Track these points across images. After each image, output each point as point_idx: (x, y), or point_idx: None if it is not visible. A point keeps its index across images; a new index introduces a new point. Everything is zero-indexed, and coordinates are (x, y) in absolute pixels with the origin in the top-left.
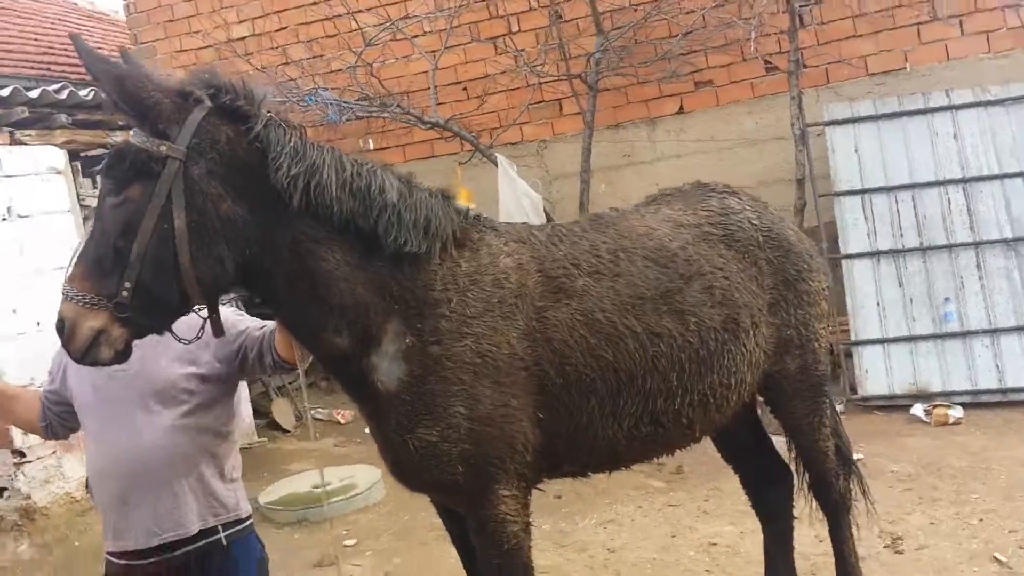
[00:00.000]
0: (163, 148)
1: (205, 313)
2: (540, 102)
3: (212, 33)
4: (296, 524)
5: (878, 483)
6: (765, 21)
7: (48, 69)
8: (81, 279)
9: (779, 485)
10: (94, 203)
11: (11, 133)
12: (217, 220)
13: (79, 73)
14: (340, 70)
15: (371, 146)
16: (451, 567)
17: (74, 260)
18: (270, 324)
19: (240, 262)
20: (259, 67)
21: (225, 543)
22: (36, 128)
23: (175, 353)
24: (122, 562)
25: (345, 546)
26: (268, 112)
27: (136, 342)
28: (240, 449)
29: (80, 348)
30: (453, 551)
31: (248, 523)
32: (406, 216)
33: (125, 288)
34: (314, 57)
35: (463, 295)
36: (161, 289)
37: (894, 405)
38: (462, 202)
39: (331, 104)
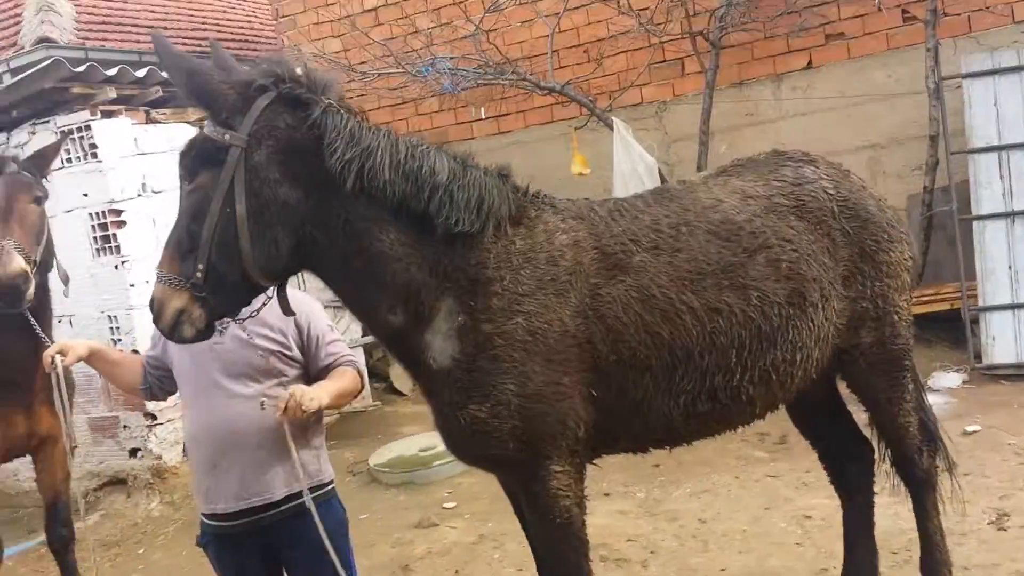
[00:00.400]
0: (227, 137)
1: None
2: (662, 62)
3: (347, 5)
4: (402, 486)
5: (992, 456)
6: None
7: (199, 45)
8: (168, 262)
9: (857, 460)
10: None
11: (147, 112)
12: (274, 204)
13: (239, 47)
14: (463, 38)
15: (483, 115)
16: None
17: (165, 244)
18: (343, 365)
19: (295, 245)
20: (390, 37)
21: (309, 505)
22: (170, 107)
23: (266, 332)
24: (212, 523)
25: (444, 508)
26: (328, 99)
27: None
28: (356, 412)
29: (167, 326)
30: None
31: (330, 487)
32: (458, 196)
33: (199, 270)
34: (441, 25)
35: (516, 273)
36: (227, 270)
37: (1021, 375)
38: (577, 168)
39: (446, 73)
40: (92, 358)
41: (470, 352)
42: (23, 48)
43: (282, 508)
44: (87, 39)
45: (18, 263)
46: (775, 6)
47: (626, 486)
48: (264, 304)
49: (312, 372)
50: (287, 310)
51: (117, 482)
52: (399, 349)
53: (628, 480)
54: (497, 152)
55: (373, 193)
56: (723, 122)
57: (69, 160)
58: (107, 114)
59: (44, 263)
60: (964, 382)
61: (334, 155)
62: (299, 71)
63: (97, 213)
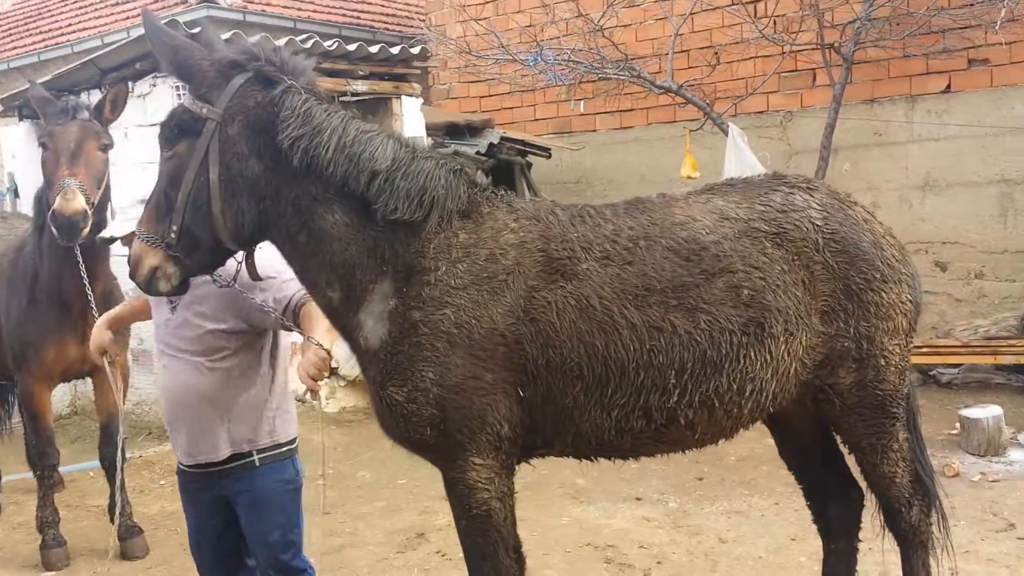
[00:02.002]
0: (204, 110)
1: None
2: (793, 71)
3: None
4: None
5: None
6: None
7: (358, 17)
8: (146, 221)
9: (842, 502)
10: None
11: None
12: (240, 176)
13: (385, 21)
14: (590, 31)
15: (581, 109)
16: (567, 529)
17: (145, 204)
18: (293, 285)
19: (257, 215)
20: (528, 24)
21: (257, 464)
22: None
23: (209, 311)
24: (181, 470)
25: None
26: (293, 81)
27: (181, 304)
28: None
29: (143, 281)
30: (577, 512)
31: (286, 449)
32: (400, 184)
33: (172, 231)
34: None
35: (453, 266)
36: (199, 233)
37: None
38: (687, 170)
39: (551, 64)
40: (117, 329)
41: (396, 336)
42: (191, 4)
43: (230, 465)
44: (252, 2)
45: (80, 202)
46: (916, 24)
47: (661, 494)
48: (238, 270)
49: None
50: (254, 275)
51: None
52: (338, 324)
53: (665, 489)
54: (616, 147)
55: (318, 172)
56: (849, 139)
57: None
58: None
59: (101, 205)
60: None
61: (285, 131)
62: (275, 54)
63: None
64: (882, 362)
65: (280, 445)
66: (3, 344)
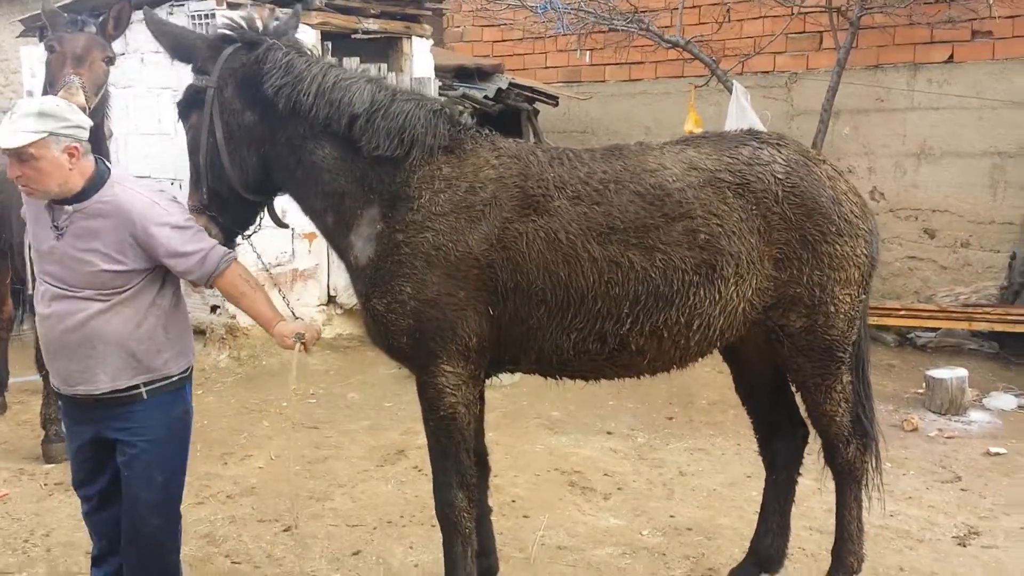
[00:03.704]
0: (203, 81)
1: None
2: (800, 32)
3: None
4: None
5: (1001, 479)
6: None
7: None
8: (190, 194)
9: (787, 438)
10: None
11: (272, 9)
12: (239, 129)
13: None
14: None
15: (588, 59)
16: (538, 455)
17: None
18: (220, 256)
19: (259, 161)
20: None
21: (145, 396)
22: (297, 5)
23: (105, 249)
24: (56, 391)
25: None
26: (274, 40)
27: (71, 234)
28: None
29: None
30: (549, 441)
31: (175, 380)
32: (380, 124)
33: (204, 194)
34: None
35: (435, 195)
36: (219, 188)
37: None
38: (690, 125)
39: (559, 12)
40: None
41: (381, 255)
42: None
43: (113, 395)
44: None
45: (81, 98)
46: None
47: (631, 429)
48: (255, 229)
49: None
50: (277, 221)
51: (198, 332)
52: (334, 246)
53: (636, 425)
54: (623, 99)
55: (303, 115)
56: (851, 103)
57: None
58: (234, 5)
59: (97, 110)
60: (1021, 407)
61: (270, 81)
62: (258, 22)
63: None
64: (831, 309)
65: (169, 377)
66: (14, 250)
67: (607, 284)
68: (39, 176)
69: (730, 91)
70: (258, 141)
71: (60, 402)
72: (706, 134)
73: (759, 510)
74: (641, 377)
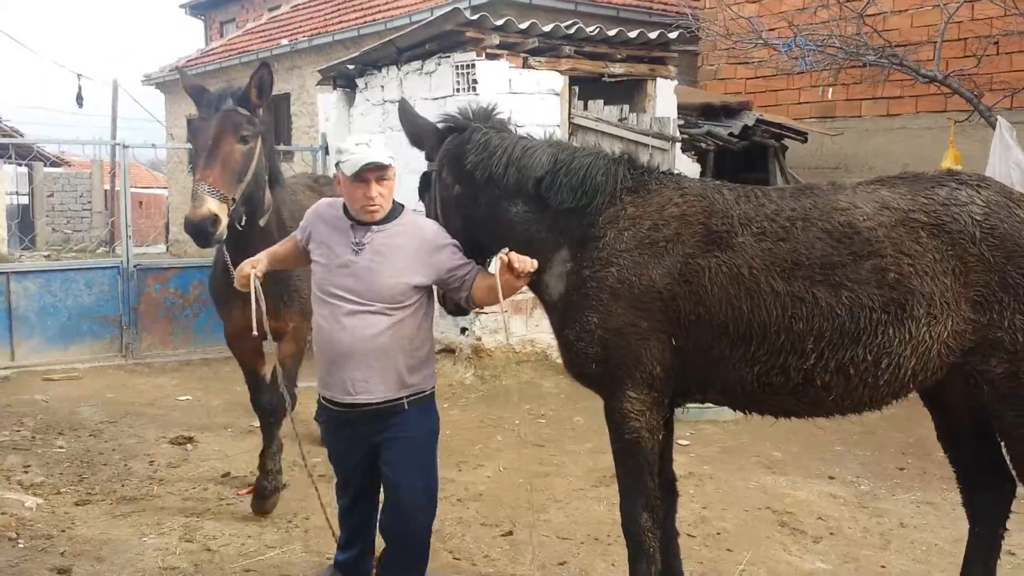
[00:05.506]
0: (430, 167)
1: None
2: None
3: None
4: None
5: None
6: None
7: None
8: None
9: (990, 490)
10: (582, 121)
11: (524, 59)
12: (449, 200)
13: (664, 2)
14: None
15: (830, 95)
16: (752, 492)
17: None
18: (475, 268)
19: (463, 223)
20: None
21: (406, 406)
22: (545, 56)
23: (403, 264)
24: (326, 403)
25: (679, 444)
26: (478, 124)
27: (371, 250)
28: None
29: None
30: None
31: (428, 394)
32: (563, 180)
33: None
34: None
35: (620, 233)
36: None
37: None
38: (948, 162)
39: (805, 49)
40: (273, 263)
41: (570, 289)
42: None
43: (382, 405)
44: None
45: (207, 208)
46: None
47: (856, 476)
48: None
49: (455, 281)
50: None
51: (449, 351)
52: (531, 286)
53: (862, 473)
54: (880, 134)
55: (496, 181)
56: None
57: (458, 91)
58: (492, 56)
59: (249, 197)
60: None
61: (467, 159)
62: (470, 110)
63: None
64: None
65: (424, 391)
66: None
67: (791, 319)
68: (388, 195)
69: (993, 127)
70: (462, 207)
71: (324, 414)
72: (903, 175)
73: (962, 568)
74: (832, 416)
